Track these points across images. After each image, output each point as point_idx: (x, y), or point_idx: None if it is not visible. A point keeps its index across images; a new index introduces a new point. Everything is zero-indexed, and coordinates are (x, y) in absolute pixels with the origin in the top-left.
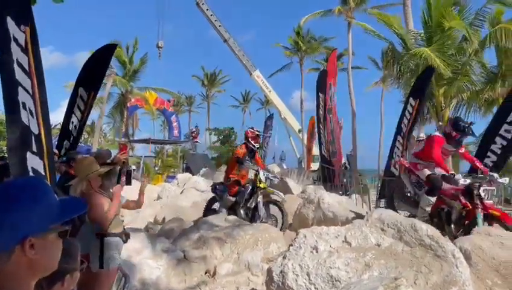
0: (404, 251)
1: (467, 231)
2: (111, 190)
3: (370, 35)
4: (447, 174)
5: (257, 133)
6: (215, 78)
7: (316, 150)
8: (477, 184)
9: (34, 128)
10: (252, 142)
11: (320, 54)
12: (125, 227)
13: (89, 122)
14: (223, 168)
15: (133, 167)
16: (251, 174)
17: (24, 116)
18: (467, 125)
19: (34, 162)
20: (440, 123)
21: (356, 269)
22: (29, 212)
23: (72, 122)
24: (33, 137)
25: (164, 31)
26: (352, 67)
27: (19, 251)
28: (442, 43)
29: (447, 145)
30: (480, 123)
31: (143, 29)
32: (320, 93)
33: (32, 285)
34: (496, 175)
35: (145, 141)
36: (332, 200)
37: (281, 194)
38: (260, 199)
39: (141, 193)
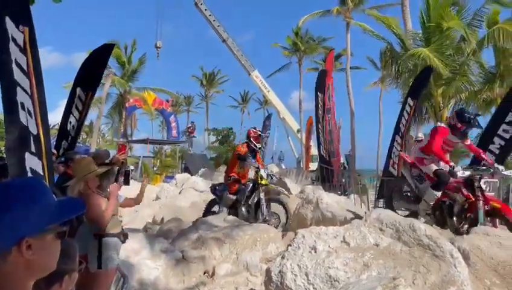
0: (403, 251)
1: (470, 224)
2: (108, 190)
3: (369, 35)
4: (453, 169)
5: (259, 133)
6: (213, 78)
7: (314, 150)
8: (478, 176)
9: (33, 129)
10: (254, 142)
11: (318, 54)
12: (124, 227)
13: (87, 122)
14: (222, 168)
15: (132, 167)
16: (251, 175)
17: (22, 116)
18: (472, 117)
19: (32, 163)
20: (438, 123)
21: (355, 269)
22: (27, 212)
23: (70, 123)
24: (32, 137)
25: (164, 31)
26: (350, 68)
27: (16, 251)
28: (441, 44)
29: (452, 136)
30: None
31: (142, 30)
32: (319, 93)
33: (30, 286)
34: (501, 167)
35: (144, 141)
36: (330, 200)
37: (284, 190)
38: (263, 196)
39: (141, 193)
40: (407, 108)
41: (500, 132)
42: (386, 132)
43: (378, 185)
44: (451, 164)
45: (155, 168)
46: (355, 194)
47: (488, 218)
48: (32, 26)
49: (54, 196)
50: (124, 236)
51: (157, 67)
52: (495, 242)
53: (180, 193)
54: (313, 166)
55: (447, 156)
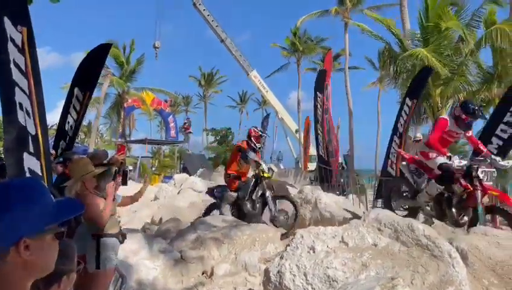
0: (401, 251)
1: (471, 220)
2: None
3: (367, 35)
4: (449, 159)
5: (260, 133)
6: (212, 79)
7: (313, 150)
8: (476, 166)
9: (31, 129)
10: (254, 141)
11: (317, 55)
12: (122, 227)
13: (85, 122)
14: (220, 168)
15: (130, 168)
16: (250, 175)
17: (21, 116)
18: (477, 108)
19: (30, 163)
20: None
21: (353, 269)
22: (25, 213)
23: (68, 123)
24: (30, 137)
25: (163, 31)
26: (349, 68)
27: (14, 251)
28: (439, 44)
29: (455, 127)
30: (477, 123)
31: (141, 30)
32: (318, 93)
33: (28, 286)
34: (498, 158)
35: (142, 142)
36: (329, 201)
37: (288, 182)
38: (268, 193)
39: (140, 193)
40: (406, 108)
41: (498, 132)
42: (384, 132)
43: (376, 185)
44: (448, 154)
45: (153, 168)
46: (353, 194)
47: (489, 217)
48: (31, 26)
49: (52, 196)
50: (122, 236)
51: (155, 67)
52: (493, 242)
53: (178, 193)
54: (312, 166)
55: (448, 149)
